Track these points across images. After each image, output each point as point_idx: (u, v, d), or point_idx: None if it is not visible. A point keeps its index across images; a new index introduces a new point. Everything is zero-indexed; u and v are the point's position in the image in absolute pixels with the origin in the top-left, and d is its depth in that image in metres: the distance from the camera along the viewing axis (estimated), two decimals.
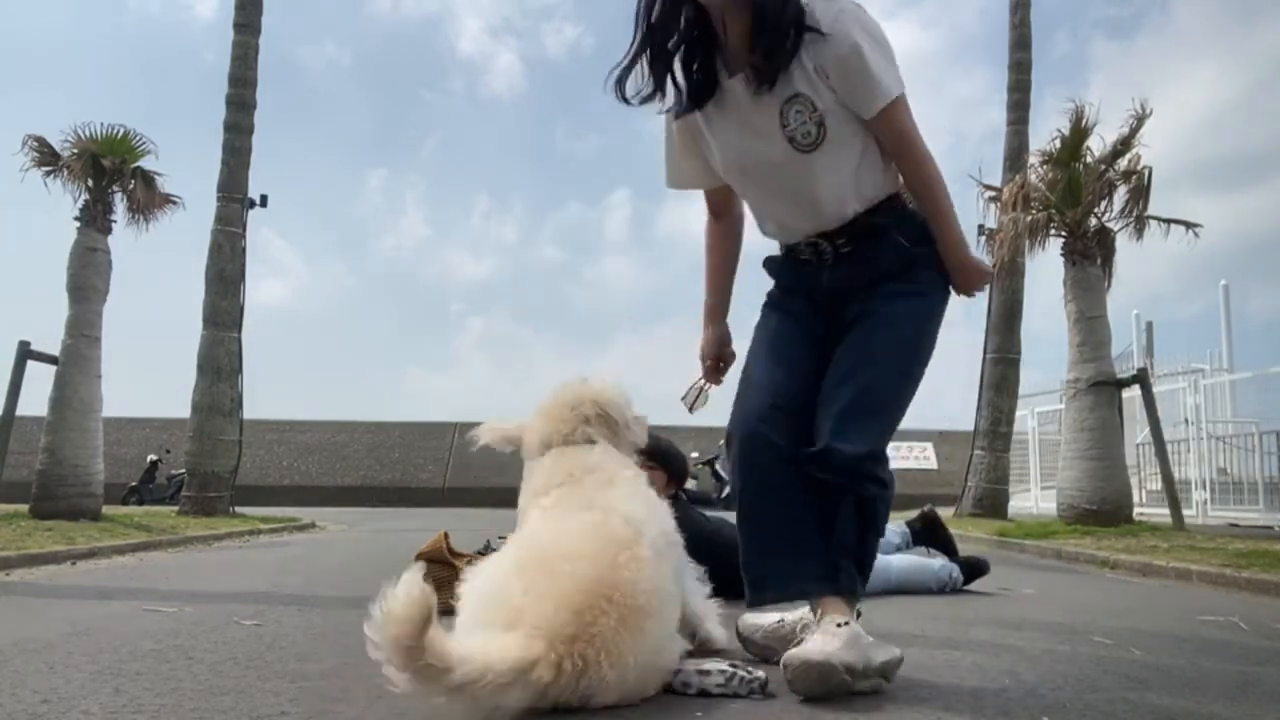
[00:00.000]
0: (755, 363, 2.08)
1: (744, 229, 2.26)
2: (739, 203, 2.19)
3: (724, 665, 1.75)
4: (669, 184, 2.16)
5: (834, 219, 1.95)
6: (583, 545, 1.61)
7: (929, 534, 3.92)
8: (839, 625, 1.74)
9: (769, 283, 2.19)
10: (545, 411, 2.10)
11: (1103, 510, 7.64)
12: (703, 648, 2.04)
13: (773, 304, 2.16)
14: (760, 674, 1.74)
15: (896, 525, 3.87)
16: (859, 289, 1.96)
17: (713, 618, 2.14)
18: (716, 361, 2.32)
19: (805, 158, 1.87)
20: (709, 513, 3.61)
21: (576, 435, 2.04)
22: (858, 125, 1.88)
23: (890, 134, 1.90)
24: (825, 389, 1.93)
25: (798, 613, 1.98)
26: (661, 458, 3.10)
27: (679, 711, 1.64)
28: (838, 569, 1.85)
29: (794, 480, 1.88)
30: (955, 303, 2.04)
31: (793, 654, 1.70)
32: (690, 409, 2.36)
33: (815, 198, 1.93)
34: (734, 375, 2.26)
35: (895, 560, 3.64)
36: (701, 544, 3.20)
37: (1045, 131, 17.08)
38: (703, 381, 2.35)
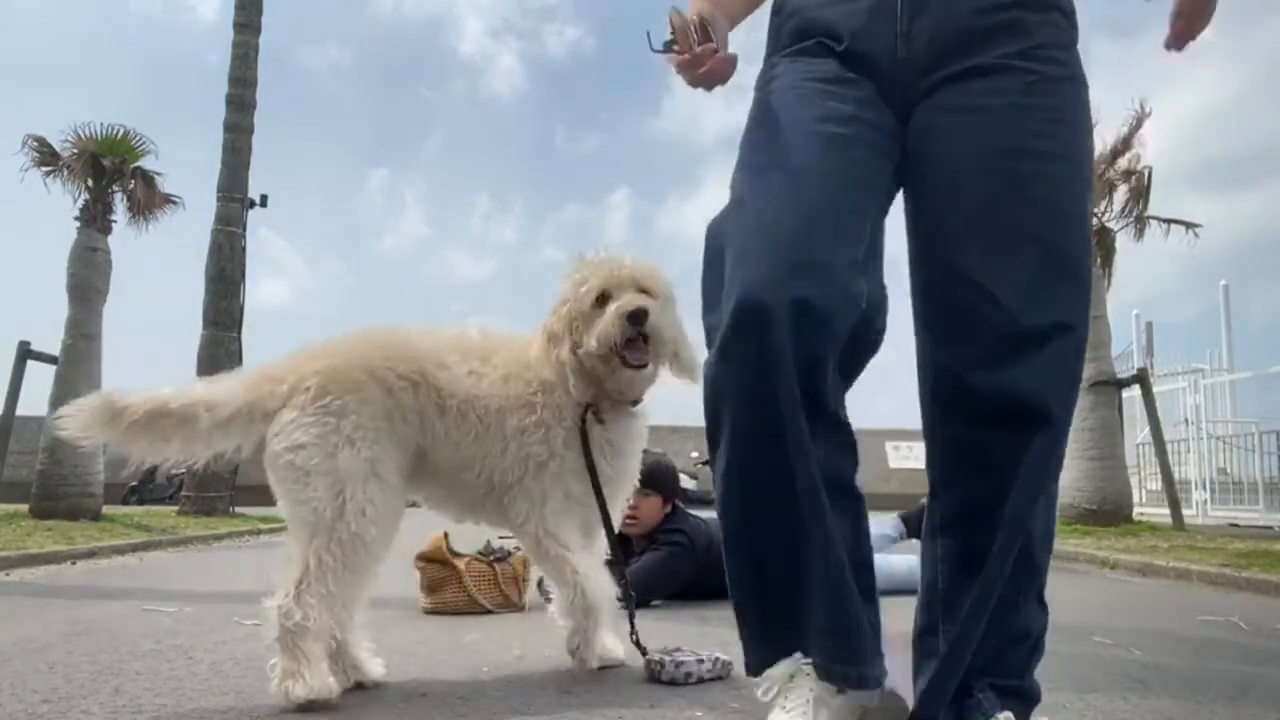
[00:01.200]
0: (777, 178, 1.25)
1: None
2: None
3: (710, 654, 1.98)
4: None
5: None
6: None
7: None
8: None
9: None
10: None
11: (1103, 510, 7.64)
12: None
13: (798, 53, 1.35)
14: (725, 657, 1.99)
15: (891, 519, 3.88)
16: (954, 41, 1.27)
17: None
18: (702, 28, 1.27)
19: None
20: (704, 514, 3.62)
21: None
22: None
23: None
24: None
25: None
26: (654, 483, 3.15)
27: (679, 712, 1.65)
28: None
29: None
30: None
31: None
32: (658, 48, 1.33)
33: None
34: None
35: (899, 560, 3.63)
36: (701, 548, 3.23)
37: None
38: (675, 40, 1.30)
